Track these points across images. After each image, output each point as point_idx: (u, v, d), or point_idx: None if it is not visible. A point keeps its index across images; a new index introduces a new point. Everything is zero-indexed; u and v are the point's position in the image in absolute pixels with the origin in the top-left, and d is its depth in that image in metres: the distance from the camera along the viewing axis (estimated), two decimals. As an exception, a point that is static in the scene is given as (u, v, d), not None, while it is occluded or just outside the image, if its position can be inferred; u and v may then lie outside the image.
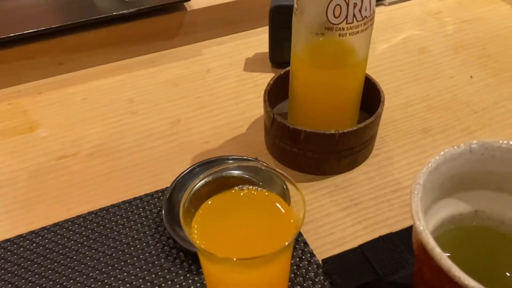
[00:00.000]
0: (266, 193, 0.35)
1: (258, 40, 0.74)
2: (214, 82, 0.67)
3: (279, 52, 0.67)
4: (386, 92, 0.64)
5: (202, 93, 0.65)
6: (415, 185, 0.31)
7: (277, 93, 0.58)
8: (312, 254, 0.45)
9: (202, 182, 0.33)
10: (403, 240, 0.46)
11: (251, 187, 0.35)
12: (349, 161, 0.52)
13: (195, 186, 0.33)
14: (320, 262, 0.45)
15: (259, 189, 0.35)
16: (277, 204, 0.34)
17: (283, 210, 0.34)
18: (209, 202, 0.34)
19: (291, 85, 0.53)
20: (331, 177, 0.53)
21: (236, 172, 0.35)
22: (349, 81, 0.51)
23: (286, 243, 0.30)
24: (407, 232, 0.47)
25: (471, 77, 0.66)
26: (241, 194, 0.34)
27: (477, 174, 0.34)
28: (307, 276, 0.44)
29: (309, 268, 0.44)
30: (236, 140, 0.58)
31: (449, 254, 0.34)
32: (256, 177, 0.35)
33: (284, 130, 0.51)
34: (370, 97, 0.55)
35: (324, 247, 0.46)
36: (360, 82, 0.52)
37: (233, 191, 0.35)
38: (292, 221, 0.33)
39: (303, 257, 0.45)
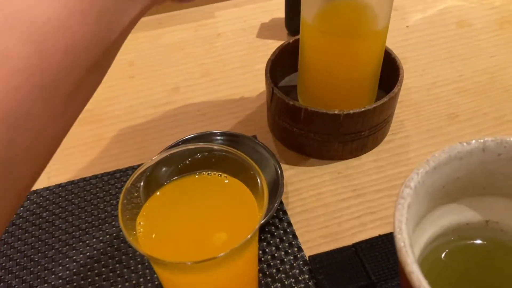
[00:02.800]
0: (230, 179, 0.29)
1: (277, 4, 0.67)
2: (223, 49, 0.61)
3: (296, 19, 0.60)
4: (412, 70, 0.56)
5: (208, 59, 0.60)
6: (404, 188, 0.25)
7: (286, 63, 0.52)
8: (300, 249, 0.41)
9: (154, 165, 0.29)
10: (406, 241, 0.40)
11: (215, 172, 0.30)
12: (356, 146, 0.46)
13: (143, 171, 0.28)
14: (307, 259, 0.40)
15: (221, 175, 0.29)
16: (242, 193, 0.29)
17: (247, 200, 0.28)
18: (158, 193, 0.29)
19: (300, 56, 0.47)
20: (335, 162, 0.47)
21: (203, 155, 0.30)
22: (366, 53, 0.44)
23: (249, 236, 0.25)
24: (412, 233, 0.41)
25: (515, 57, 0.57)
26: (200, 180, 0.29)
27: (491, 177, 0.28)
28: (291, 273, 0.39)
29: (294, 264, 0.40)
30: (237, 114, 0.53)
31: (444, 272, 0.28)
32: (227, 163, 0.30)
33: (284, 107, 0.45)
34: (389, 74, 0.48)
35: (315, 241, 0.41)
36: (377, 56, 0.45)
37: (196, 176, 0.30)
38: (256, 211, 0.28)
39: (289, 251, 0.41)
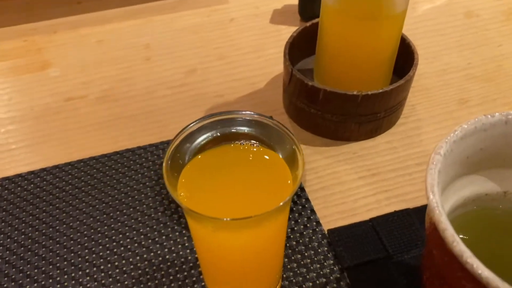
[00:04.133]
0: (266, 151, 0.31)
1: (290, -9, 0.68)
2: (236, 33, 0.62)
3: (310, 5, 0.61)
4: (422, 57, 0.58)
5: (222, 43, 0.61)
6: (434, 155, 0.27)
7: (302, 47, 0.53)
8: (318, 223, 0.42)
9: (198, 130, 0.30)
10: (420, 217, 0.41)
11: (251, 143, 0.31)
12: (371, 127, 0.48)
13: (186, 134, 0.30)
14: (326, 232, 0.41)
15: (259, 145, 0.31)
16: (277, 163, 0.30)
17: (282, 170, 0.30)
18: (199, 157, 0.30)
19: (319, 38, 0.48)
20: (350, 143, 0.49)
21: (242, 128, 0.31)
22: (384, 35, 0.45)
23: (281, 203, 0.27)
24: (425, 209, 0.43)
25: (521, 46, 0.59)
26: (238, 149, 0.31)
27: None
28: (310, 246, 0.40)
29: (313, 237, 0.41)
30: (252, 96, 0.54)
31: (466, 237, 0.29)
32: (264, 135, 0.31)
33: (302, 88, 0.46)
34: (403, 59, 0.50)
35: (332, 216, 0.43)
36: (395, 39, 0.46)
37: (232, 145, 0.31)
38: (289, 182, 0.29)
39: (308, 225, 0.42)
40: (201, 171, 0.29)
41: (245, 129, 0.31)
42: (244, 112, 0.31)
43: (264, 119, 0.30)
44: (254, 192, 0.29)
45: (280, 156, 0.30)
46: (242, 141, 0.31)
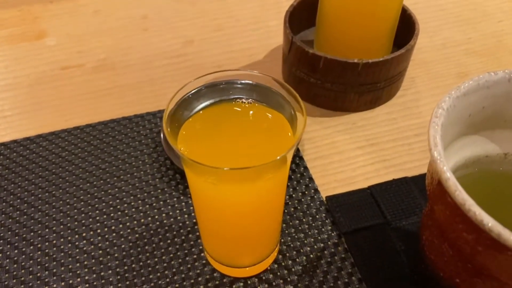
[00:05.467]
0: (268, 109, 0.31)
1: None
2: (235, 5, 0.62)
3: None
4: (422, 31, 0.57)
5: (221, 15, 0.60)
6: (437, 109, 0.26)
7: (302, 18, 0.53)
8: (316, 191, 0.42)
9: (201, 88, 0.30)
10: (418, 186, 0.42)
11: (253, 100, 0.31)
12: (371, 97, 0.47)
13: (192, 88, 0.29)
14: (324, 200, 0.41)
15: (262, 104, 0.30)
16: (278, 119, 0.30)
17: (283, 125, 0.30)
18: (201, 112, 0.30)
19: (320, 6, 0.47)
20: (349, 114, 0.48)
21: (246, 87, 0.31)
22: (385, 3, 0.44)
23: (283, 154, 0.26)
24: (424, 178, 0.42)
25: (522, 22, 0.59)
26: (240, 106, 0.30)
27: (515, 109, 0.29)
28: (308, 212, 0.40)
29: (311, 204, 0.41)
30: (251, 67, 0.54)
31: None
32: (264, 99, 0.31)
33: (303, 56, 0.46)
34: (404, 31, 0.49)
35: (331, 185, 0.43)
36: (397, 6, 0.46)
37: (233, 102, 0.31)
38: (290, 134, 0.29)
39: (306, 192, 0.42)
40: (202, 125, 0.29)
41: (248, 87, 0.31)
42: (249, 72, 0.31)
43: (267, 79, 0.30)
44: (255, 146, 0.29)
45: (283, 115, 0.30)
46: (245, 99, 0.31)
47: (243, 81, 0.31)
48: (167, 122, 0.27)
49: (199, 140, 0.29)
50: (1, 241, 0.39)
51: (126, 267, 0.37)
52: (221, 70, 0.31)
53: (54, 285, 0.36)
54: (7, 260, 0.37)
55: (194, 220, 0.40)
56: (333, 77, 0.45)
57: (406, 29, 0.49)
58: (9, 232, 0.39)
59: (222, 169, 0.25)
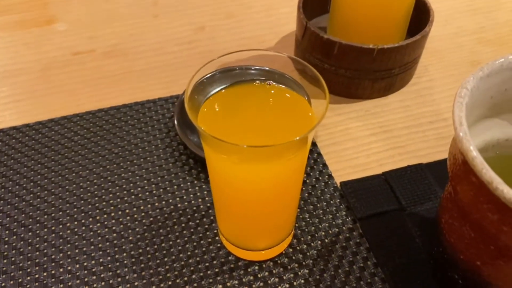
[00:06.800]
0: (288, 90, 0.30)
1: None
2: (246, -7, 0.61)
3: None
4: (435, 20, 0.57)
5: (232, 2, 0.60)
6: (461, 89, 0.26)
7: (314, 5, 0.52)
8: (330, 176, 0.42)
9: (222, 73, 0.29)
10: (433, 172, 0.41)
11: (274, 83, 0.31)
12: (385, 84, 0.47)
13: (215, 66, 0.29)
14: (338, 185, 0.41)
15: (282, 86, 0.30)
16: (299, 101, 0.30)
17: (304, 107, 0.29)
18: (223, 91, 0.30)
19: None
20: (362, 101, 0.48)
21: (273, 69, 0.31)
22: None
23: (305, 133, 0.26)
24: (439, 165, 0.42)
25: (535, 12, 0.59)
26: (259, 86, 0.30)
27: (537, 92, 0.29)
28: (322, 198, 0.40)
29: (325, 190, 0.41)
30: (263, 54, 0.53)
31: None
32: (282, 83, 0.31)
33: (317, 41, 0.45)
34: (417, 19, 0.49)
35: (345, 171, 0.42)
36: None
37: (255, 83, 0.31)
38: (310, 114, 0.29)
39: (320, 178, 0.42)
40: (222, 104, 0.29)
41: (262, 73, 0.31)
42: (277, 53, 0.30)
43: (296, 60, 0.30)
44: (277, 125, 0.29)
45: (304, 97, 0.30)
46: (264, 80, 0.31)
47: (257, 67, 0.32)
48: (189, 100, 0.27)
49: (219, 119, 0.29)
50: (15, 223, 0.39)
51: (140, 250, 0.37)
52: (248, 49, 0.30)
53: (69, 267, 0.36)
54: (21, 243, 0.37)
55: (208, 204, 0.39)
56: (347, 63, 0.45)
57: (419, 16, 0.49)
58: (23, 215, 0.39)
59: (244, 147, 0.25)
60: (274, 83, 0.31)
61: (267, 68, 0.32)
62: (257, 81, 0.31)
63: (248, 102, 0.29)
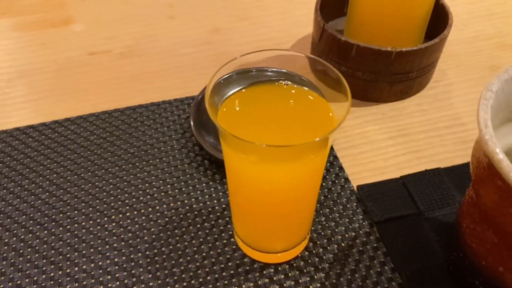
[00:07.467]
0: (308, 91, 0.30)
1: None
2: (262, -5, 0.61)
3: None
4: (452, 24, 0.57)
5: (247, 4, 0.60)
6: (486, 92, 0.26)
7: (331, 8, 0.52)
8: (347, 180, 0.41)
9: (242, 74, 0.29)
10: (452, 177, 0.41)
11: (293, 83, 0.30)
12: (402, 87, 0.47)
13: (236, 65, 0.29)
14: (355, 189, 0.41)
15: (303, 87, 0.30)
16: (319, 102, 0.29)
17: (324, 108, 0.29)
18: (243, 90, 0.30)
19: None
20: (379, 104, 0.48)
21: (293, 71, 0.31)
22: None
23: (326, 134, 0.26)
24: (458, 170, 0.42)
25: (554, 17, 0.58)
26: (282, 87, 0.30)
27: None
28: (339, 201, 0.40)
29: (342, 193, 0.40)
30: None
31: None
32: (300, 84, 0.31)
33: (334, 44, 0.45)
34: (435, 23, 0.49)
35: (361, 174, 0.42)
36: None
37: (276, 84, 0.30)
38: (331, 114, 0.28)
39: (336, 181, 0.41)
40: (242, 104, 0.29)
41: (278, 75, 0.30)
42: (300, 53, 0.30)
43: (320, 61, 0.30)
44: (297, 125, 0.28)
45: (324, 98, 0.30)
46: (282, 81, 0.31)
47: (274, 69, 0.31)
48: (210, 97, 0.27)
49: (239, 118, 0.28)
50: (31, 221, 0.39)
51: (155, 250, 0.37)
52: (269, 49, 0.30)
53: (84, 266, 0.36)
54: (37, 241, 0.37)
55: (224, 206, 0.39)
56: (365, 65, 0.45)
57: (437, 20, 0.48)
58: (39, 213, 0.39)
59: (263, 146, 0.24)
60: (293, 84, 0.31)
61: (284, 70, 0.32)
62: (278, 82, 0.31)
63: (269, 102, 0.29)
